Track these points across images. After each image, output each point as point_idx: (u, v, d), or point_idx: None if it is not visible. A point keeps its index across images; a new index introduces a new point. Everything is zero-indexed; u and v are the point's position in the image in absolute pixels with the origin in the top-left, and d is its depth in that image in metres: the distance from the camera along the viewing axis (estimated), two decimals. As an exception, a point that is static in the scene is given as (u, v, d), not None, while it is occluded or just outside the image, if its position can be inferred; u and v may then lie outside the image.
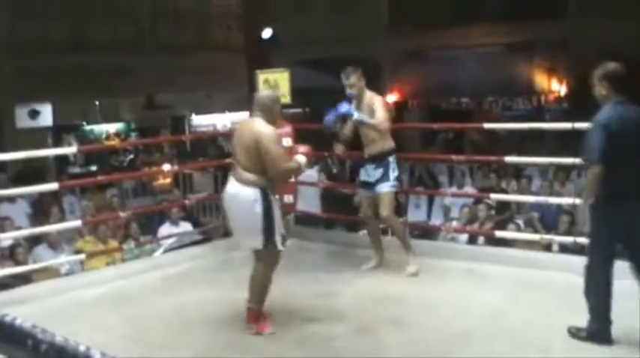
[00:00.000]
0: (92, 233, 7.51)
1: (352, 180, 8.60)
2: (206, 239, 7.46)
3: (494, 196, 7.18)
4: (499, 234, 6.18)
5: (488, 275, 5.05)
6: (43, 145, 12.88)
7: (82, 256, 6.34)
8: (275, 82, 6.49)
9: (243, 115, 15.72)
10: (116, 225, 7.94)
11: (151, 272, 5.55)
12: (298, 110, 14.58)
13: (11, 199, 8.80)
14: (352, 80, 5.24)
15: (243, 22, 13.56)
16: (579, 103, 13.39)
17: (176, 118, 18.46)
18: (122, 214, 6.99)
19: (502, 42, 15.36)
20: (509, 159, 6.89)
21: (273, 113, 4.18)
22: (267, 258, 4.10)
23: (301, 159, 4.24)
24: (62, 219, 8.37)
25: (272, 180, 4.05)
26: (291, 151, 4.46)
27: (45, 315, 3.87)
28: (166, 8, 16.87)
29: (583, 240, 5.98)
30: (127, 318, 4.46)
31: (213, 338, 4.09)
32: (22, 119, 14.45)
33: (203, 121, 19.01)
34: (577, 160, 5.38)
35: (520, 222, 7.75)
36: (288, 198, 6.39)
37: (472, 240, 7.41)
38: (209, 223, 9.35)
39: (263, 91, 4.41)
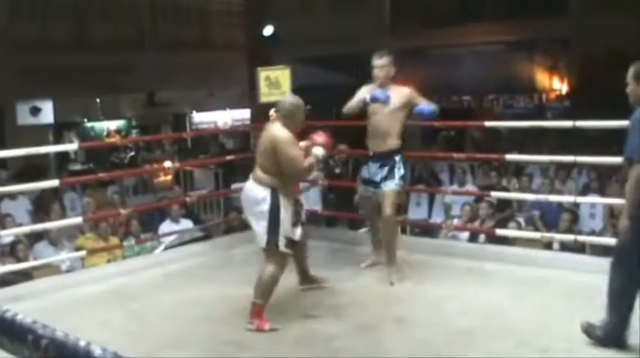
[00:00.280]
0: (93, 230, 7.51)
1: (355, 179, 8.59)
2: (207, 236, 7.47)
3: (495, 194, 7.18)
4: (500, 232, 6.19)
5: (489, 274, 5.05)
6: (44, 142, 12.86)
7: (83, 253, 6.34)
8: (276, 79, 6.49)
9: (244, 113, 15.83)
10: (117, 222, 7.94)
11: (151, 269, 5.55)
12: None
13: (12, 196, 8.81)
14: (384, 61, 5.04)
15: (244, 19, 13.55)
16: (581, 101, 13.42)
17: (177, 116, 18.48)
18: (123, 211, 6.99)
19: (503, 40, 15.34)
20: (510, 157, 6.88)
21: (293, 118, 4.23)
22: (273, 258, 4.15)
23: (318, 151, 4.26)
24: (63, 215, 8.37)
25: (287, 182, 4.15)
26: (309, 140, 4.41)
27: (45, 312, 3.87)
28: (167, 5, 16.87)
29: (583, 239, 6.03)
30: (128, 315, 4.46)
31: (214, 335, 4.09)
32: (23, 116, 14.46)
33: (204, 118, 19.03)
34: (577, 158, 5.42)
35: (521, 220, 7.75)
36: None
37: (473, 238, 7.41)
38: (210, 220, 9.37)
39: (288, 96, 4.39)
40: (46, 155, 12.31)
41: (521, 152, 9.00)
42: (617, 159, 4.79)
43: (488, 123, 7.18)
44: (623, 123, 4.22)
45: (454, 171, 10.30)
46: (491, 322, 4.13)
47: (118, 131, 17.71)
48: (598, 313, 3.75)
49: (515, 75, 15.54)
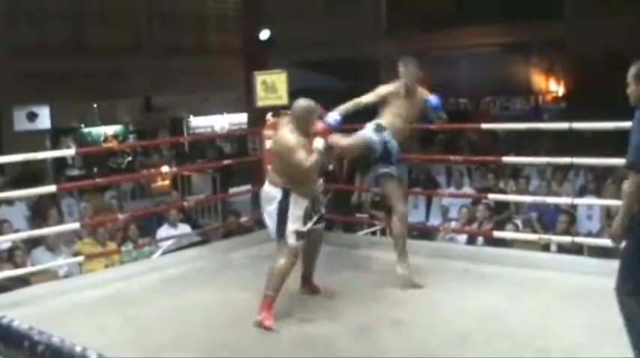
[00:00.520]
0: (90, 235, 7.51)
1: (350, 180, 8.59)
2: (205, 241, 7.47)
3: (492, 196, 7.18)
4: (497, 234, 6.18)
5: (487, 276, 5.05)
6: (41, 148, 12.87)
7: (81, 258, 6.33)
8: (272, 84, 6.50)
9: (241, 117, 15.84)
10: (114, 227, 7.93)
11: (149, 274, 5.54)
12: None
13: (9, 202, 8.81)
14: (410, 67, 5.04)
15: (240, 23, 13.58)
16: (577, 103, 13.45)
17: (174, 120, 18.49)
18: (120, 216, 6.98)
19: (499, 42, 15.39)
20: (507, 159, 6.89)
21: (304, 122, 4.33)
22: (283, 251, 4.31)
23: (318, 144, 4.29)
24: (60, 221, 8.37)
25: (299, 182, 4.30)
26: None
27: (43, 318, 3.86)
28: (163, 11, 16.89)
29: (581, 240, 6.03)
30: (125, 320, 4.45)
31: (212, 339, 4.09)
32: (20, 121, 14.47)
33: (201, 123, 19.05)
34: (574, 160, 5.43)
35: (518, 222, 7.76)
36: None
37: (470, 241, 7.41)
38: (207, 225, 9.36)
39: (301, 99, 4.41)
40: (43, 160, 12.29)
41: (518, 154, 9.00)
42: (614, 161, 4.82)
43: (484, 126, 7.19)
44: (620, 124, 4.23)
45: (451, 174, 10.31)
46: (488, 324, 4.13)
47: (115, 136, 17.71)
48: (596, 315, 3.76)
49: (512, 77, 15.59)
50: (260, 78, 6.59)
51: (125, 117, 17.99)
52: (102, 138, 17.52)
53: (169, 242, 7.30)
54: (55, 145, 15.40)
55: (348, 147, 5.02)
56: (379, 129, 4.95)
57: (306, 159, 4.23)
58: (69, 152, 12.48)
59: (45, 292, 5.03)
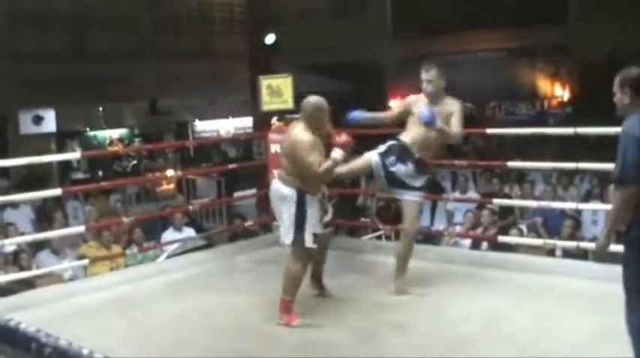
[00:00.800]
0: (95, 238, 7.52)
1: (354, 184, 8.59)
2: (209, 244, 7.47)
3: (497, 201, 7.17)
4: (502, 239, 6.18)
5: (491, 280, 5.04)
6: (46, 151, 12.91)
7: (86, 261, 6.34)
8: (278, 88, 6.51)
9: (246, 121, 15.86)
10: (119, 230, 7.95)
11: (154, 277, 5.55)
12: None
13: (15, 205, 8.83)
14: (432, 74, 4.74)
15: (246, 27, 13.60)
16: (582, 108, 13.44)
17: (180, 124, 18.53)
18: (125, 220, 6.99)
19: (504, 47, 15.39)
20: (512, 164, 6.89)
21: (315, 119, 4.28)
22: (297, 253, 4.29)
23: (336, 154, 4.22)
24: (66, 224, 8.40)
25: (310, 181, 4.25)
26: (332, 139, 4.37)
27: (48, 321, 3.87)
28: (167, 15, 16.94)
29: (586, 245, 6.02)
30: (131, 323, 4.46)
31: (216, 343, 4.09)
32: (26, 125, 14.52)
33: (206, 127, 19.08)
34: (579, 165, 5.42)
35: (523, 227, 7.75)
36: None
37: (475, 246, 7.40)
38: (212, 228, 9.38)
39: (311, 97, 4.36)
40: (48, 164, 12.35)
41: (523, 159, 9.00)
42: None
43: (489, 131, 7.18)
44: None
45: (456, 179, 10.30)
46: (492, 329, 4.12)
47: (120, 139, 17.76)
48: (600, 320, 3.75)
49: (517, 82, 15.58)
50: (265, 82, 6.60)
51: (130, 120, 18.04)
52: (107, 142, 17.57)
53: (174, 245, 7.31)
54: (61, 148, 15.47)
55: (347, 173, 4.98)
56: (386, 153, 4.81)
57: (317, 164, 4.18)
58: (74, 155, 12.52)
59: (50, 295, 5.04)
